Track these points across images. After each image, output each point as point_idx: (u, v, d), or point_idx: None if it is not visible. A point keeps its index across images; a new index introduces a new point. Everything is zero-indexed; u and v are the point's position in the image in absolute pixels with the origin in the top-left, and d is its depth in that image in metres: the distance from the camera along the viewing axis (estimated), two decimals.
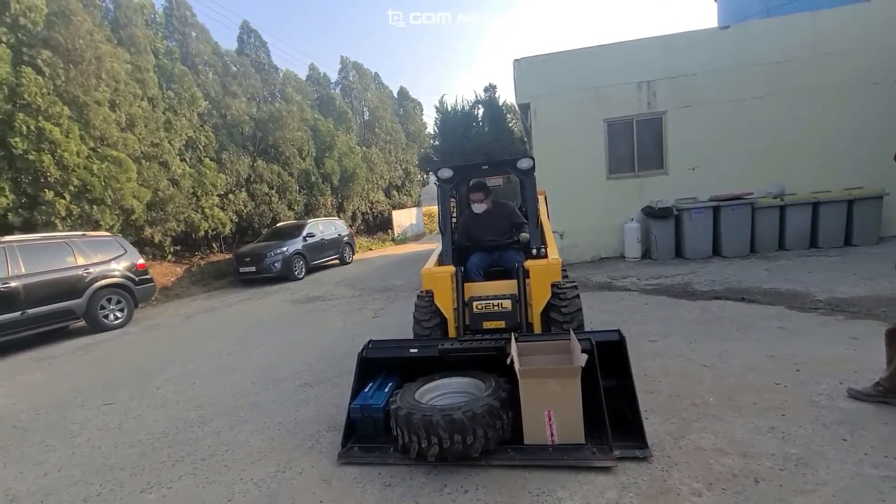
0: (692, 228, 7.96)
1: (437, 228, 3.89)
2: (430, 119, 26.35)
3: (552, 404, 2.47)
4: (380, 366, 3.14)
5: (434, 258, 4.01)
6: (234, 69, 14.43)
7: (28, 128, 8.58)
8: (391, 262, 14.07)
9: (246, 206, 14.11)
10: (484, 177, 4.15)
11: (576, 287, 3.60)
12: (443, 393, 2.90)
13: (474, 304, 3.51)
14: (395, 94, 25.86)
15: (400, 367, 3.12)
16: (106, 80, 10.03)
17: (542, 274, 3.43)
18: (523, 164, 3.69)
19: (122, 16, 11.34)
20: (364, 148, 20.44)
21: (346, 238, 14.85)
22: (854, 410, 2.72)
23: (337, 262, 14.43)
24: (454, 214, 4.63)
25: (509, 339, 2.84)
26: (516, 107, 9.53)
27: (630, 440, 2.50)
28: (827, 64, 7.76)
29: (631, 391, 2.62)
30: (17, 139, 8.46)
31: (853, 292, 5.17)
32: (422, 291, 3.71)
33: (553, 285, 3.45)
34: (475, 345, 2.91)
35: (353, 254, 15.49)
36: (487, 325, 3.50)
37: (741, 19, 9.84)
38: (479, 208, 4.13)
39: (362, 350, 3.07)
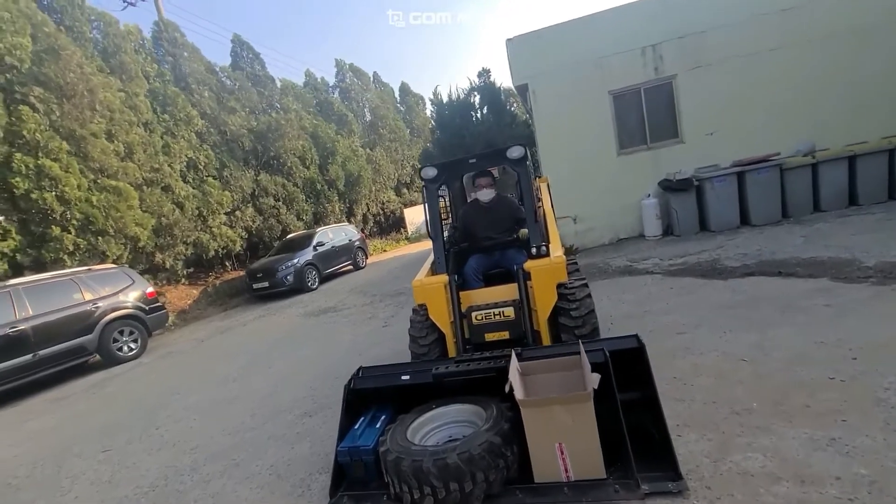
0: (716, 199, 7.36)
1: (426, 232, 3.50)
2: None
3: (563, 436, 2.09)
4: (371, 396, 2.81)
5: (427, 266, 3.66)
6: (230, 84, 14.29)
7: (27, 167, 8.59)
8: (404, 263, 13.79)
9: (254, 221, 14.03)
10: (481, 168, 3.78)
11: (586, 285, 3.20)
12: (440, 425, 2.56)
13: (473, 314, 3.15)
14: (397, 91, 25.47)
15: (393, 396, 2.80)
16: (100, 111, 9.98)
17: (546, 275, 3.04)
18: (513, 152, 3.29)
19: (111, 44, 11.28)
20: (368, 150, 20.17)
21: (357, 243, 14.64)
22: None
23: (351, 267, 14.24)
24: (447, 216, 4.25)
25: (510, 357, 2.47)
26: (514, 90, 9.04)
27: (660, 468, 2.11)
28: (846, 4, 7.01)
29: (656, 406, 2.23)
30: (17, 179, 8.47)
31: None
32: (416, 306, 3.37)
33: (559, 286, 3.05)
34: (472, 366, 2.55)
35: (367, 258, 15.28)
36: (490, 336, 3.14)
37: None
38: (486, 195, 3.74)
39: (350, 380, 2.75)
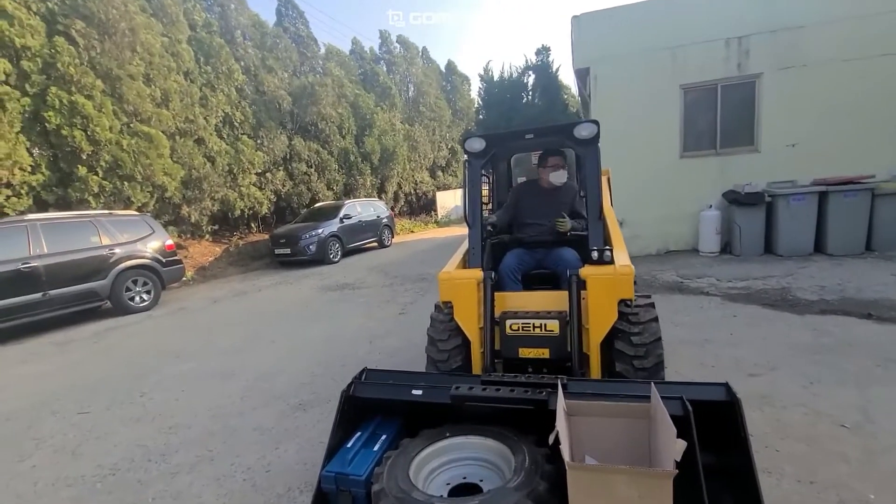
0: (789, 219, 6.48)
1: (463, 218, 2.92)
2: (476, 91, 25.09)
3: None
4: (374, 406, 2.30)
5: (458, 256, 3.08)
6: (271, 42, 13.88)
7: (61, 101, 8.40)
8: (431, 247, 13.28)
9: (284, 185, 13.74)
10: (527, 149, 3.14)
11: (653, 306, 2.57)
12: (453, 461, 2.02)
13: (508, 323, 2.58)
14: (443, 69, 24.66)
15: (399, 410, 2.27)
16: (140, 53, 9.73)
17: (607, 287, 2.42)
18: (583, 130, 2.65)
19: None
20: (407, 126, 19.57)
21: (385, 220, 14.20)
22: None
23: (375, 244, 13.84)
24: (488, 202, 3.64)
25: (554, 389, 1.90)
26: (573, 74, 8.26)
27: None
28: None
29: (749, 480, 1.63)
30: (50, 113, 8.31)
31: None
32: (439, 302, 2.82)
33: (621, 303, 2.44)
34: (503, 393, 1.99)
35: (393, 237, 14.84)
36: (526, 353, 2.56)
37: None
38: (559, 177, 3.12)
39: (349, 385, 2.24)
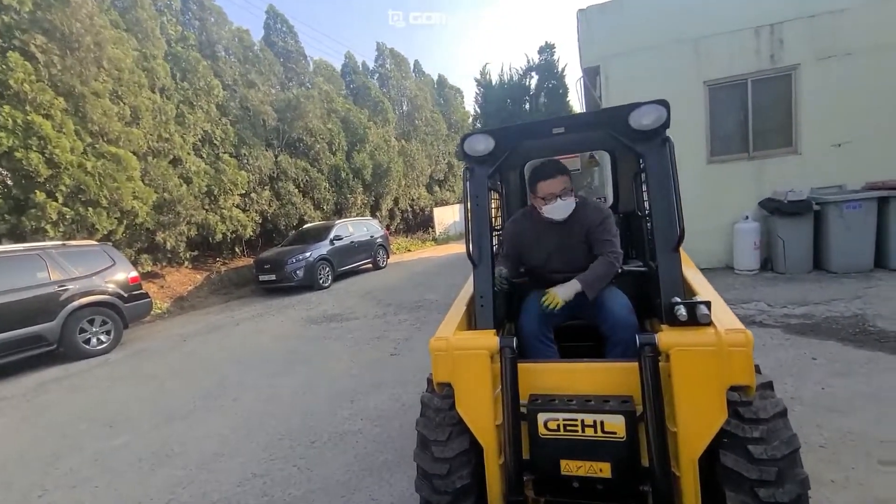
0: (844, 229, 5.56)
1: (466, 253, 1.97)
2: (470, 103, 24.41)
3: None
4: None
5: (458, 309, 2.14)
6: (254, 56, 13.16)
7: (14, 121, 7.55)
8: (429, 267, 12.35)
9: (270, 206, 12.86)
10: (556, 151, 2.22)
11: (771, 386, 1.63)
12: None
13: (542, 419, 1.63)
14: (435, 83, 24.07)
15: None
16: (107, 69, 8.93)
17: (709, 366, 1.48)
18: (645, 116, 1.76)
19: None
20: (402, 141, 18.81)
21: (379, 240, 13.29)
22: None
23: (370, 266, 12.92)
24: (497, 222, 2.70)
25: None
26: (582, 74, 7.45)
27: None
28: None
29: None
30: (2, 134, 7.45)
31: None
32: (432, 385, 1.88)
33: (732, 391, 1.49)
34: None
35: (388, 257, 13.92)
36: (570, 468, 1.61)
37: None
38: (562, 212, 2.11)
39: None
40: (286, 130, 13.19)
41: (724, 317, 1.60)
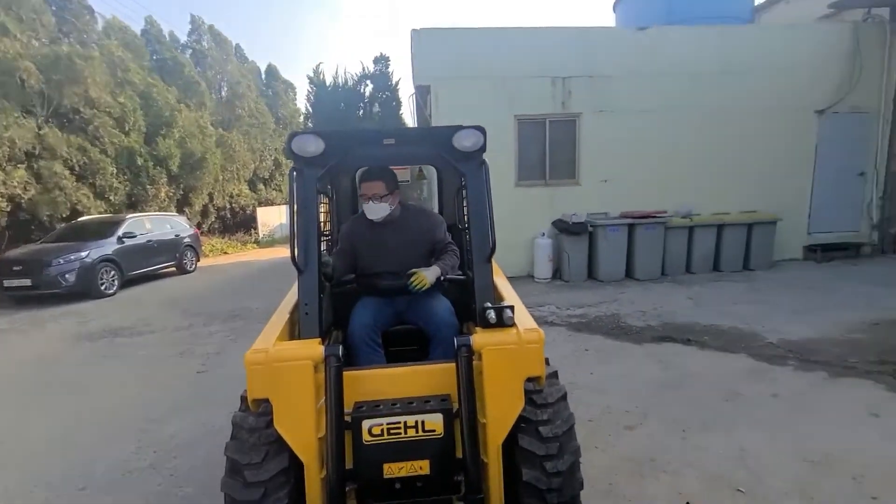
0: (607, 247, 7.09)
1: (290, 258, 1.86)
2: (303, 100, 23.30)
3: None
4: None
5: (280, 318, 2.00)
6: None
7: None
8: (251, 272, 11.23)
9: (26, 190, 9.96)
10: (385, 161, 2.28)
11: (556, 375, 1.96)
12: None
13: (366, 426, 1.64)
14: (263, 73, 22.24)
15: None
16: None
17: (511, 362, 1.70)
18: (466, 139, 1.94)
19: None
20: (221, 130, 16.76)
21: (187, 240, 11.51)
22: None
23: (174, 269, 11.08)
24: (326, 228, 2.63)
25: None
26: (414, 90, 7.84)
27: None
28: (730, 82, 7.55)
29: None
30: None
31: (801, 332, 4.50)
32: (246, 403, 1.72)
33: (528, 382, 1.74)
34: None
35: (198, 259, 12.16)
36: (393, 471, 1.65)
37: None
38: (376, 213, 2.23)
39: None
40: (53, 96, 10.41)
41: (523, 318, 1.87)
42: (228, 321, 6.40)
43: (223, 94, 18.31)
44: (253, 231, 18.67)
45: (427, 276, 2.15)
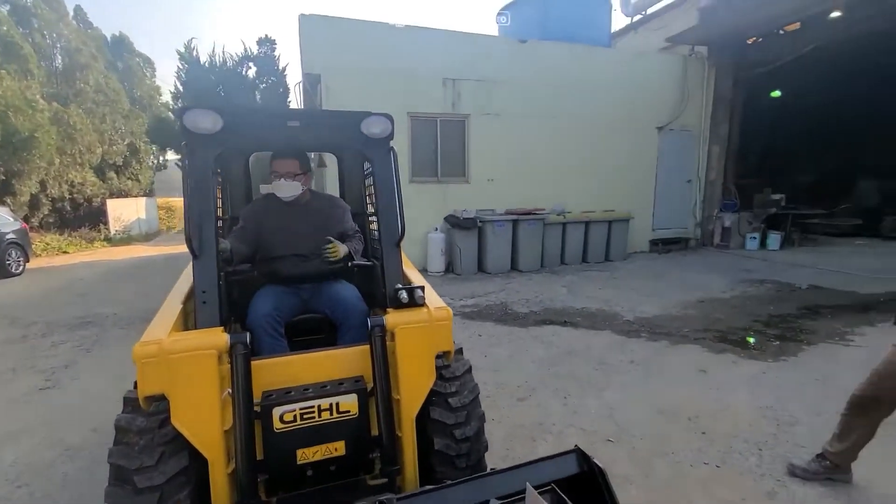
0: (494, 242, 7.60)
1: (185, 241, 1.71)
2: (163, 78, 20.62)
3: None
4: None
5: (173, 307, 1.83)
6: None
7: None
8: (102, 273, 9.62)
9: None
10: (287, 143, 2.18)
11: (462, 352, 2.11)
12: None
13: (277, 413, 1.59)
14: (108, 41, 19.10)
15: None
16: None
17: (423, 339, 1.79)
18: (375, 125, 1.97)
19: None
20: (56, 104, 14.00)
21: (11, 236, 9.47)
22: (818, 501, 2.10)
23: None
24: (221, 212, 2.42)
25: None
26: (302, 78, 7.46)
27: None
28: (592, 96, 8.61)
29: None
30: None
31: (649, 311, 5.38)
32: (132, 405, 1.55)
33: (438, 358, 1.86)
34: None
35: (27, 260, 10.07)
36: (308, 455, 1.63)
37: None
38: (287, 191, 2.20)
39: None
40: None
41: (432, 298, 1.98)
42: (77, 329, 5.46)
43: (58, 62, 15.30)
44: (102, 227, 15.94)
45: (339, 248, 2.18)
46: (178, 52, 9.49)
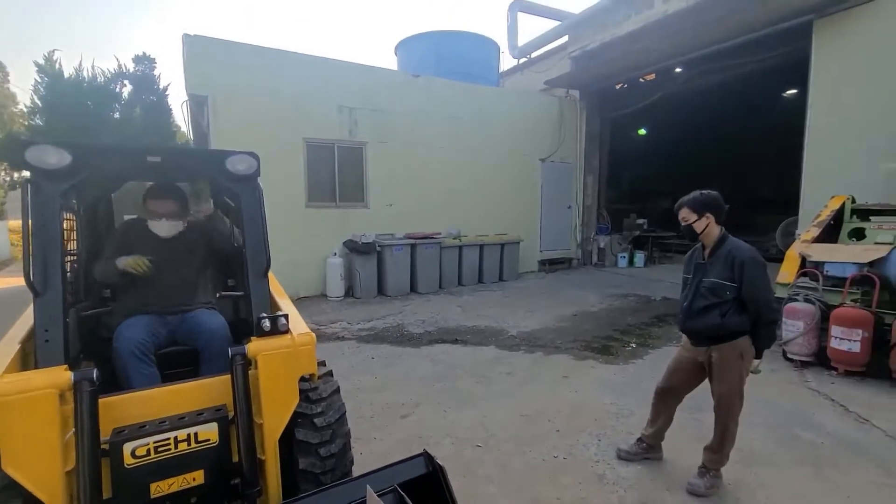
0: (393, 265, 7.80)
1: (24, 278, 1.67)
2: (19, 86, 18.12)
3: None
4: None
5: (7, 350, 1.73)
6: None
7: None
8: None
9: None
10: (149, 177, 2.19)
11: (331, 373, 2.24)
12: None
13: (128, 448, 1.60)
14: None
15: None
16: None
17: (285, 364, 1.90)
18: (240, 163, 2.07)
19: None
20: None
21: None
22: (635, 477, 2.55)
23: None
24: (71, 246, 2.30)
25: None
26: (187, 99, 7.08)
27: None
28: (480, 129, 9.35)
29: None
30: None
31: (530, 325, 5.92)
32: None
33: (303, 381, 1.98)
34: None
35: None
36: (162, 488, 1.64)
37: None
38: (167, 231, 2.30)
39: None
40: None
41: (297, 325, 2.10)
42: None
43: None
44: None
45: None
46: (36, 64, 8.41)
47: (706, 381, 2.46)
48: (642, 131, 15.55)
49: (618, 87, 10.95)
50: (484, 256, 8.97)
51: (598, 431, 3.08)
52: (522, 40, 12.12)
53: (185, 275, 2.27)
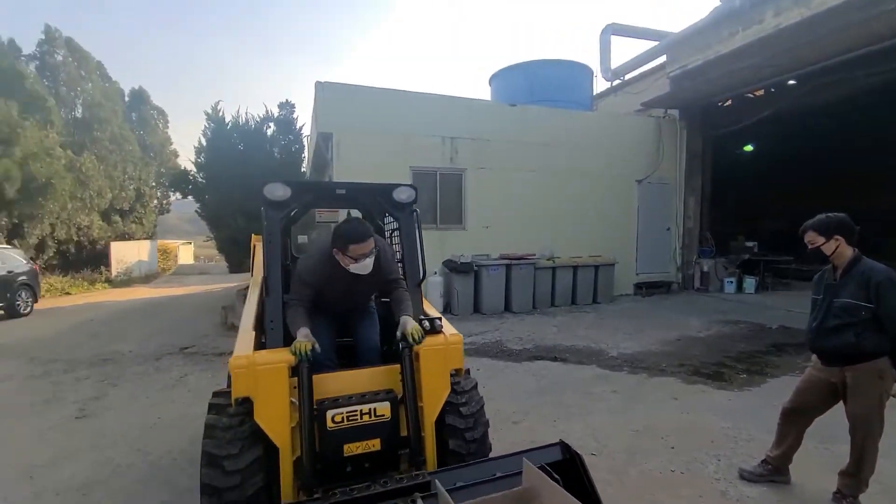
0: (490, 284, 8.15)
1: (259, 282, 2.27)
2: (184, 132, 21.69)
3: None
4: None
5: (247, 334, 2.34)
6: None
7: None
8: (109, 315, 9.94)
9: None
10: (348, 210, 2.78)
11: (469, 372, 2.60)
12: None
13: (330, 414, 2.07)
14: (127, 95, 20.30)
15: None
16: None
17: (440, 359, 2.30)
18: (402, 194, 2.57)
19: None
20: (70, 153, 14.75)
21: (22, 277, 9.89)
22: (760, 497, 2.56)
23: (1, 313, 9.36)
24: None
25: (425, 491, 1.59)
26: (317, 136, 8.25)
27: None
28: (575, 153, 9.48)
29: None
30: None
31: (631, 347, 5.88)
32: (225, 400, 2.03)
33: (452, 375, 2.36)
34: None
35: (35, 301, 10.41)
36: (353, 449, 2.09)
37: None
38: (364, 270, 2.32)
39: None
40: None
41: (447, 327, 2.50)
42: (97, 366, 5.81)
43: (78, 113, 16.22)
44: (104, 269, 16.30)
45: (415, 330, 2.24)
46: (206, 113, 10.49)
47: (839, 406, 2.43)
48: (748, 147, 14.49)
49: (722, 104, 10.48)
50: (578, 278, 8.98)
51: (716, 452, 3.08)
52: (616, 62, 12.13)
53: (364, 300, 2.73)
